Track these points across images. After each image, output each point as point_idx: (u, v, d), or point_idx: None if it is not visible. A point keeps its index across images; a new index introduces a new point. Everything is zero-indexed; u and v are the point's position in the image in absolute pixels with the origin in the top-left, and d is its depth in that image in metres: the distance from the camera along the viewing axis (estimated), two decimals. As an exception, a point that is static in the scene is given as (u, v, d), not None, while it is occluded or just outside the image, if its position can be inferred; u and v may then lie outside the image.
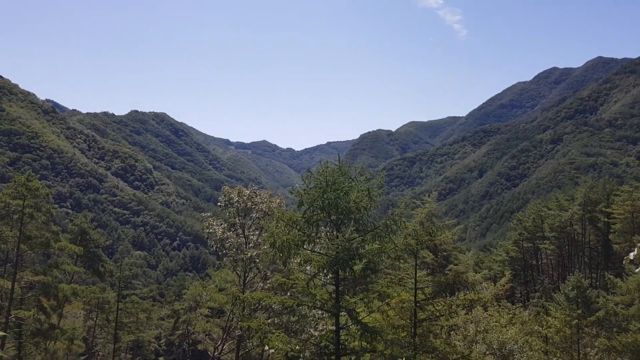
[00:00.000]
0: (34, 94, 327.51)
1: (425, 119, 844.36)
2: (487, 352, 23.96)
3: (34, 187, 36.45)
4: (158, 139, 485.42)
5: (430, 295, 17.42)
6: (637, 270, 9.79)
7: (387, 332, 17.42)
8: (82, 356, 54.35)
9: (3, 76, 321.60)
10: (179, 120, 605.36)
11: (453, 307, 17.84)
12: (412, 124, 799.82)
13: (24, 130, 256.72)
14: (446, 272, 18.39)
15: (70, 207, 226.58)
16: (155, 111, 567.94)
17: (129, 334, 54.35)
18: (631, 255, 9.14)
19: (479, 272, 32.06)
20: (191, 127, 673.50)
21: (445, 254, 37.44)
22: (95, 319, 55.09)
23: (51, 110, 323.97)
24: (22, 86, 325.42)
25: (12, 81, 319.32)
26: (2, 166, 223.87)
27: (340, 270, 14.46)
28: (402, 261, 17.20)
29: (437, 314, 17.76)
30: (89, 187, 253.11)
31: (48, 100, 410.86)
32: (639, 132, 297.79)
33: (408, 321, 18.30)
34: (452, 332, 24.74)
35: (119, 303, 49.27)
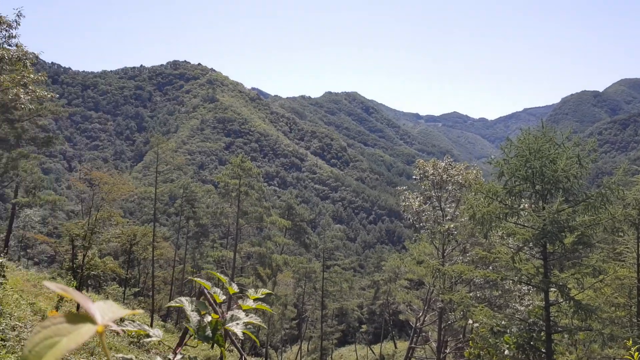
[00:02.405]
0: (242, 84, 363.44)
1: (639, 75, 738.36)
2: None
3: (247, 167, 40.71)
4: (350, 117, 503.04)
5: (657, 272, 15.49)
6: None
7: (604, 310, 16.00)
8: (293, 320, 59.65)
9: (216, 70, 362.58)
10: (369, 98, 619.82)
11: (687, 286, 15.62)
12: (624, 81, 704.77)
13: (235, 117, 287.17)
14: (678, 246, 16.13)
15: (277, 185, 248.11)
16: (346, 91, 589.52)
17: (334, 302, 58.00)
18: None
19: None
20: (381, 104, 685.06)
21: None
22: (303, 287, 59.87)
23: (257, 98, 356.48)
24: (231, 78, 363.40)
25: (223, 74, 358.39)
26: (220, 150, 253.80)
27: (548, 244, 13.60)
28: (620, 234, 15.56)
29: (667, 293, 15.74)
30: (292, 166, 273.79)
31: (253, 89, 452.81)
32: None
33: (628, 299, 16.56)
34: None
35: (324, 273, 52.68)
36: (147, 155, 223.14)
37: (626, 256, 16.66)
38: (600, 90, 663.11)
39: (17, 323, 14.49)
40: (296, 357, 62.95)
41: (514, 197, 14.42)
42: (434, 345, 26.93)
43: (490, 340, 14.12)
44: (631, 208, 14.73)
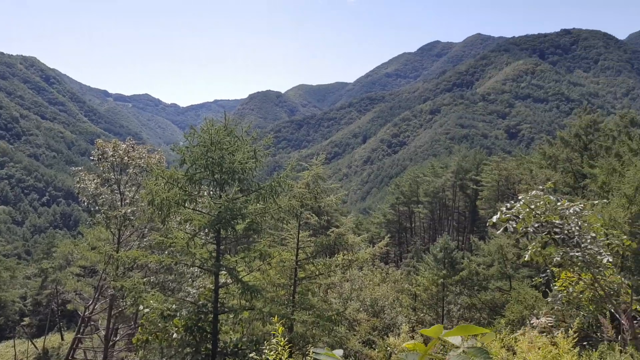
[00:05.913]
0: None
1: (314, 83, 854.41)
2: (361, 308, 25.19)
3: None
4: (26, 85, 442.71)
5: (311, 255, 17.81)
6: (497, 232, 10.65)
7: (268, 291, 17.61)
8: None
9: None
10: (51, 67, 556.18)
11: (332, 267, 18.40)
12: (302, 87, 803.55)
13: None
14: (328, 233, 18.87)
15: None
16: (23, 54, 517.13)
17: (-12, 295, 50.43)
18: (494, 219, 9.89)
19: (359, 235, 33.43)
20: (64, 75, 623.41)
21: (328, 217, 38.47)
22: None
23: None
24: None
25: None
26: None
27: (222, 230, 14.26)
28: (286, 222, 17.35)
29: (317, 272, 18.25)
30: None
31: None
32: (508, 107, 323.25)
33: (288, 280, 18.62)
34: (329, 290, 25.64)
35: (-23, 261, 45.30)
36: None
37: (289, 241, 18.66)
38: (283, 91, 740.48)
39: None
40: None
41: (194, 185, 14.66)
42: (103, 333, 25.66)
43: (159, 324, 14.06)
44: (295, 200, 16.52)
